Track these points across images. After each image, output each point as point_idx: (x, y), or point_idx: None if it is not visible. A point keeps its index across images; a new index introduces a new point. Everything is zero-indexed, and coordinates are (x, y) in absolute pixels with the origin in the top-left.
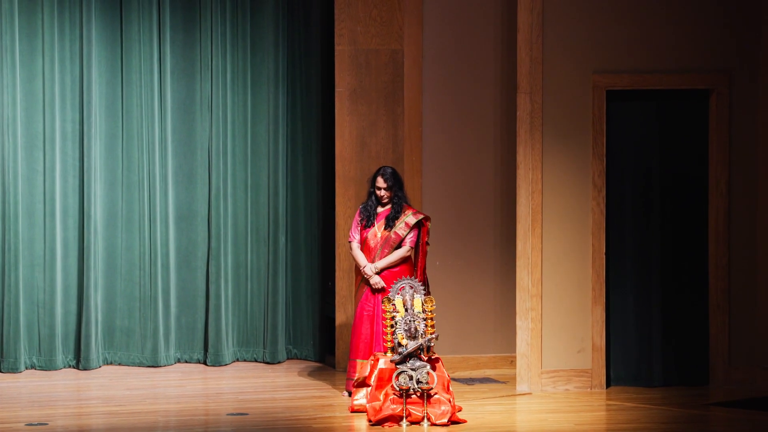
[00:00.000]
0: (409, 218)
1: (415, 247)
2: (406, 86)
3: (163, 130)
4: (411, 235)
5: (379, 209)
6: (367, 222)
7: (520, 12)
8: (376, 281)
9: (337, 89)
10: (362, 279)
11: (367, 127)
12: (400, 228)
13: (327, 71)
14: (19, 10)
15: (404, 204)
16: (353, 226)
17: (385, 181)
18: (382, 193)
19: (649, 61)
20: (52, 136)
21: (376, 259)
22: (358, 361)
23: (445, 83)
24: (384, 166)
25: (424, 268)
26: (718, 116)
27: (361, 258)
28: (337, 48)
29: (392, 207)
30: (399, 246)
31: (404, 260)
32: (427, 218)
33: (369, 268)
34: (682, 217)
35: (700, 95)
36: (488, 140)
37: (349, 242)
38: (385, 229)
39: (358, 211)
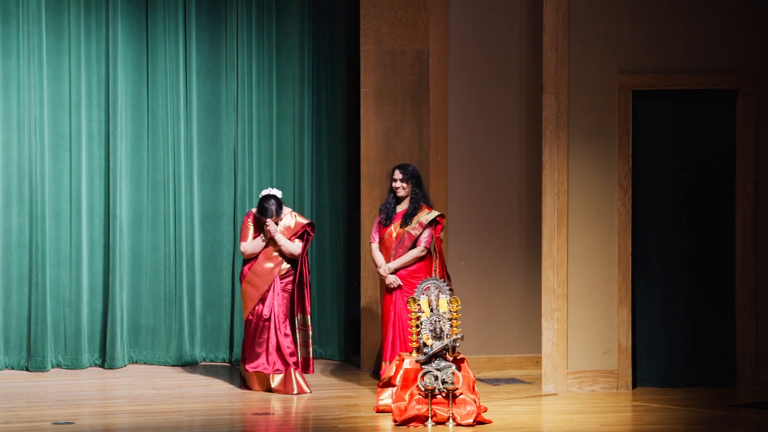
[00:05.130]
0: (423, 217)
1: (432, 246)
2: (432, 86)
3: (188, 130)
4: (425, 234)
5: (398, 208)
6: (386, 221)
7: (546, 13)
8: (391, 281)
9: (362, 89)
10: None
11: (393, 127)
12: (413, 228)
13: (352, 71)
14: (46, 11)
15: (422, 203)
16: (374, 227)
17: (403, 173)
18: (398, 185)
19: (675, 61)
20: (78, 136)
21: (391, 258)
22: (383, 363)
23: (471, 83)
24: (402, 163)
25: (444, 264)
26: (744, 116)
27: (378, 259)
28: (362, 48)
29: (410, 204)
30: (414, 246)
31: (419, 260)
32: (441, 216)
33: (383, 269)
34: (708, 218)
35: (727, 95)
36: (513, 140)
37: (370, 243)
38: (400, 228)
39: (379, 212)
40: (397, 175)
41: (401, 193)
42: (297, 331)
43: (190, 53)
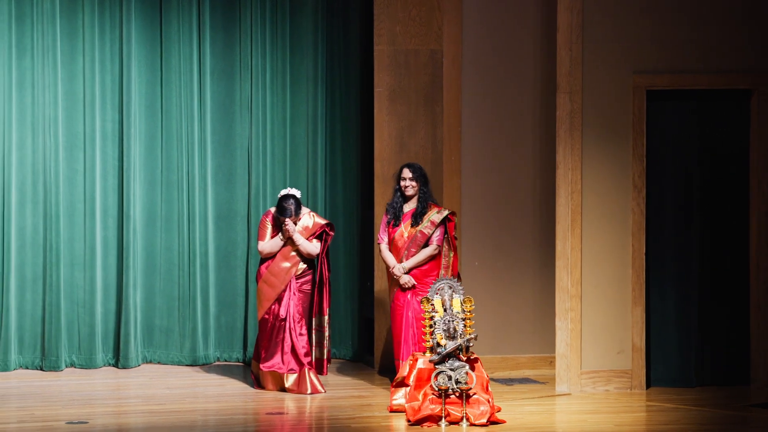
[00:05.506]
0: (434, 216)
1: (444, 243)
2: (445, 86)
3: (202, 130)
4: (437, 233)
5: (406, 208)
6: (395, 222)
7: (560, 12)
8: (405, 281)
9: (376, 89)
10: (392, 279)
11: (406, 128)
12: (425, 227)
13: (366, 71)
14: (60, 10)
15: (429, 201)
16: (381, 228)
17: (412, 171)
18: (407, 183)
19: (689, 61)
20: (92, 136)
21: (404, 258)
22: (401, 362)
23: (484, 83)
24: (409, 162)
25: (457, 264)
26: (759, 116)
27: (389, 259)
28: (376, 48)
29: (418, 203)
30: (426, 245)
31: (431, 258)
32: (452, 213)
33: (398, 269)
34: (722, 218)
35: (742, 95)
36: (527, 140)
37: (378, 244)
38: (411, 227)
39: (385, 212)
40: (407, 173)
41: (410, 192)
42: (314, 332)
43: (204, 53)
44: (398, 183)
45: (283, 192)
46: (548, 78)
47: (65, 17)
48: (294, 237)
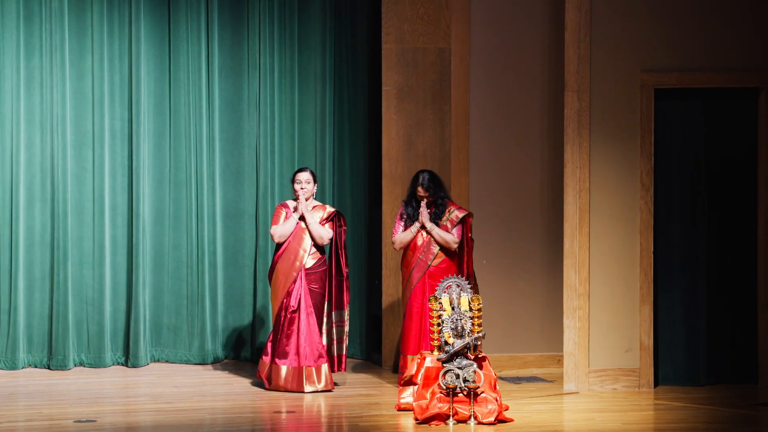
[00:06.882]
0: (453, 215)
1: (460, 243)
2: (453, 84)
3: (210, 128)
4: (456, 228)
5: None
6: (413, 222)
7: (568, 11)
8: (426, 218)
9: (384, 88)
10: (408, 276)
11: (414, 126)
12: (444, 225)
13: (374, 70)
14: (69, 9)
15: (447, 200)
16: (396, 227)
17: (426, 189)
18: (424, 200)
19: (697, 60)
20: (100, 134)
21: (423, 257)
22: (410, 357)
23: (492, 81)
24: (421, 171)
25: (472, 263)
26: (767, 114)
27: (408, 233)
28: (384, 46)
29: (436, 208)
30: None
31: (449, 246)
32: (470, 215)
33: (425, 213)
34: (730, 216)
35: (749, 93)
36: (535, 139)
37: (393, 236)
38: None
39: (399, 213)
40: (422, 192)
41: (429, 203)
42: (335, 327)
43: (213, 51)
44: (414, 189)
45: None
46: (556, 76)
47: (74, 16)
48: (306, 216)
